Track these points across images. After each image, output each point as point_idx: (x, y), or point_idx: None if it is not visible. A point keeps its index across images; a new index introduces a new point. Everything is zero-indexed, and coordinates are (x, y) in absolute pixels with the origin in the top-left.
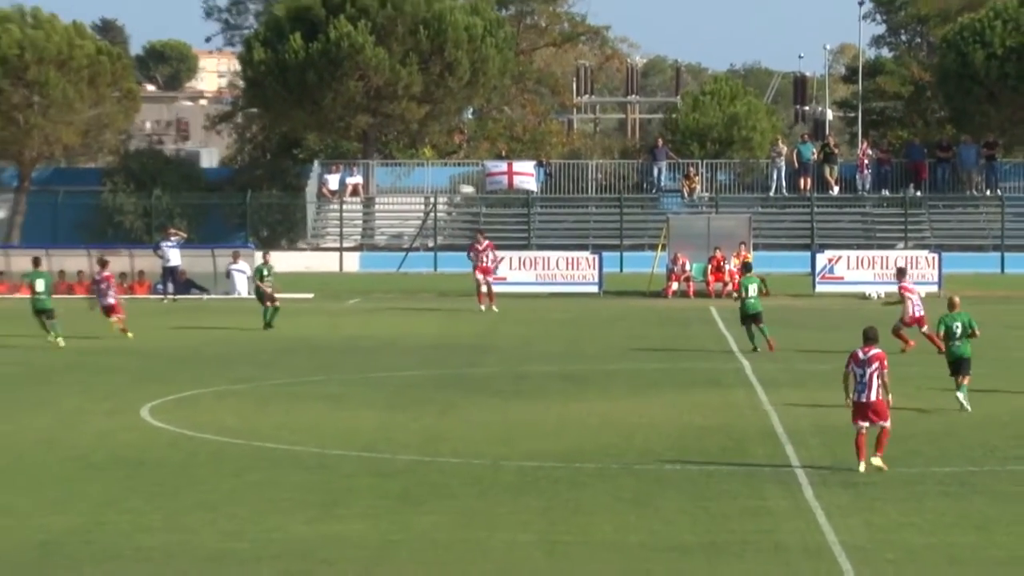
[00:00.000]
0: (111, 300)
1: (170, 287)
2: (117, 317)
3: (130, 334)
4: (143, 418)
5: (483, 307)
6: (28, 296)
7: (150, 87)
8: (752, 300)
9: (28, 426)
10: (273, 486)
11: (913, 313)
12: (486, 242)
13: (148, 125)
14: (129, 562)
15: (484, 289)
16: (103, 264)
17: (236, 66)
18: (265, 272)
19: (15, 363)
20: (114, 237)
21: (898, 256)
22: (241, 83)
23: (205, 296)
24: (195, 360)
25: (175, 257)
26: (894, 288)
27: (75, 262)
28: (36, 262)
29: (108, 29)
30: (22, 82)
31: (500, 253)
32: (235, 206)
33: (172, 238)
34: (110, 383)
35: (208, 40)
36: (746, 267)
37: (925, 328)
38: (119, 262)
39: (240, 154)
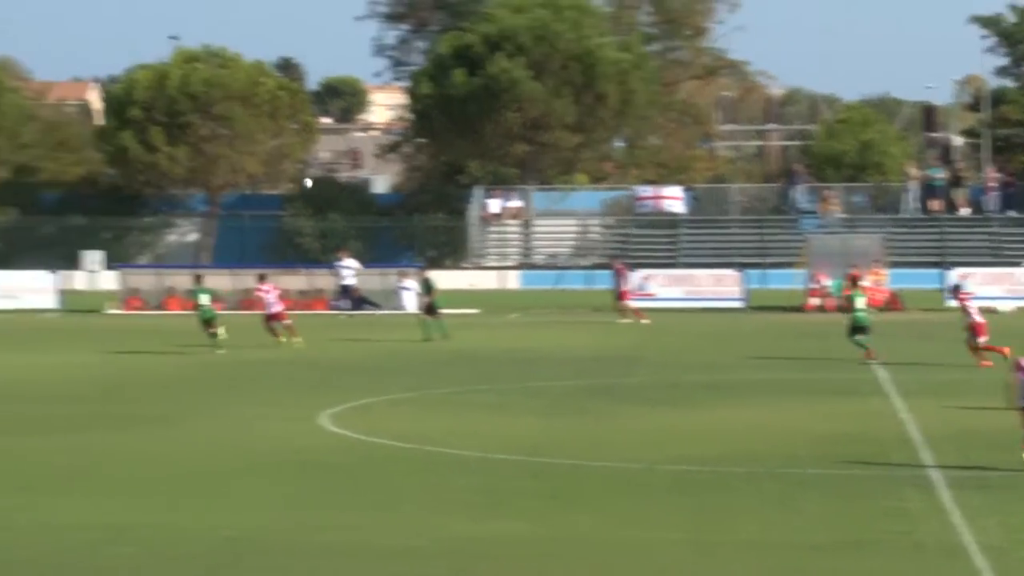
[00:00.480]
0: (277, 308)
1: (346, 303)
2: (283, 324)
3: (297, 339)
4: (320, 424)
5: (642, 321)
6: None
7: (326, 120)
8: (861, 313)
9: (212, 431)
10: (441, 488)
11: (974, 319)
12: (619, 265)
13: (325, 155)
14: (314, 557)
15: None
16: (262, 278)
17: (404, 100)
18: (422, 288)
19: (197, 373)
20: (294, 257)
21: (955, 272)
22: (409, 115)
23: (378, 312)
24: (368, 370)
25: (350, 276)
26: (1014, 303)
27: None
28: (198, 279)
29: (287, 67)
30: (210, 116)
31: (649, 271)
32: (404, 229)
33: (346, 259)
34: (289, 391)
35: (378, 76)
36: (854, 281)
37: (984, 339)
38: (297, 280)
39: (408, 181)
